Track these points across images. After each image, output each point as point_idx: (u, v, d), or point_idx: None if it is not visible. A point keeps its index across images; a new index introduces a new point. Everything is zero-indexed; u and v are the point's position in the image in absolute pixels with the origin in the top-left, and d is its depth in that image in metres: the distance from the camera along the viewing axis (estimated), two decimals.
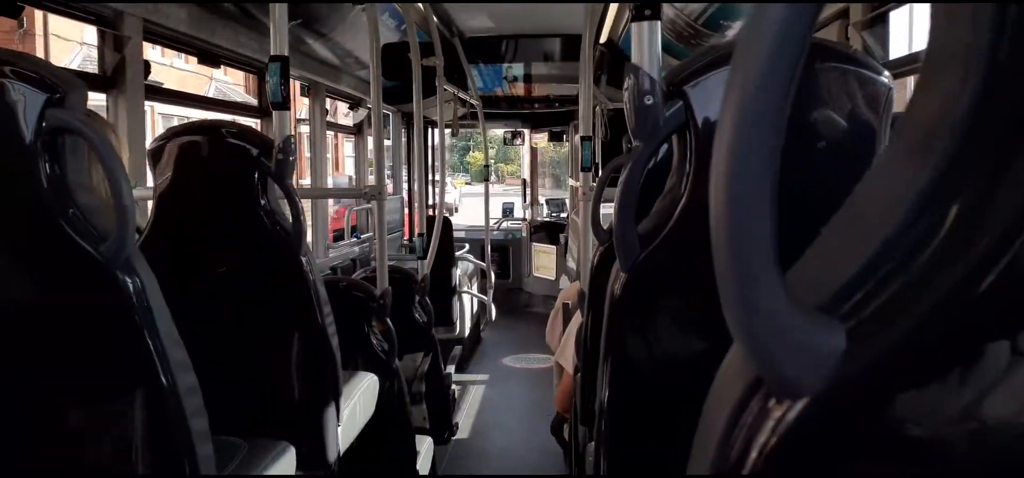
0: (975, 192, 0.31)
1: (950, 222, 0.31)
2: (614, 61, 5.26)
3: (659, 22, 1.14)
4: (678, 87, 1.07)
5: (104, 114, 2.75)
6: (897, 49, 2.30)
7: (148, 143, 2.12)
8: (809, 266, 0.37)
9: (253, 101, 4.25)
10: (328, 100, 4.90)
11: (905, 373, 0.32)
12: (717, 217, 0.32)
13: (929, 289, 0.31)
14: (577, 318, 3.01)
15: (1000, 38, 0.30)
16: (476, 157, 25.98)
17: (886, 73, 1.06)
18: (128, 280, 1.25)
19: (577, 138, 3.81)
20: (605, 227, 2.08)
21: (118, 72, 2.71)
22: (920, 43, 2.19)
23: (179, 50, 3.36)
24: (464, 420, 4.48)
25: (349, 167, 16.42)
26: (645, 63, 1.08)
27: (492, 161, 8.40)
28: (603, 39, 5.01)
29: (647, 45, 1.11)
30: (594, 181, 3.06)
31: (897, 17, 2.25)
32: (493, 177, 8.51)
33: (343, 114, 6.01)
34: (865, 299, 0.32)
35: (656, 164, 1.22)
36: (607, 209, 2.25)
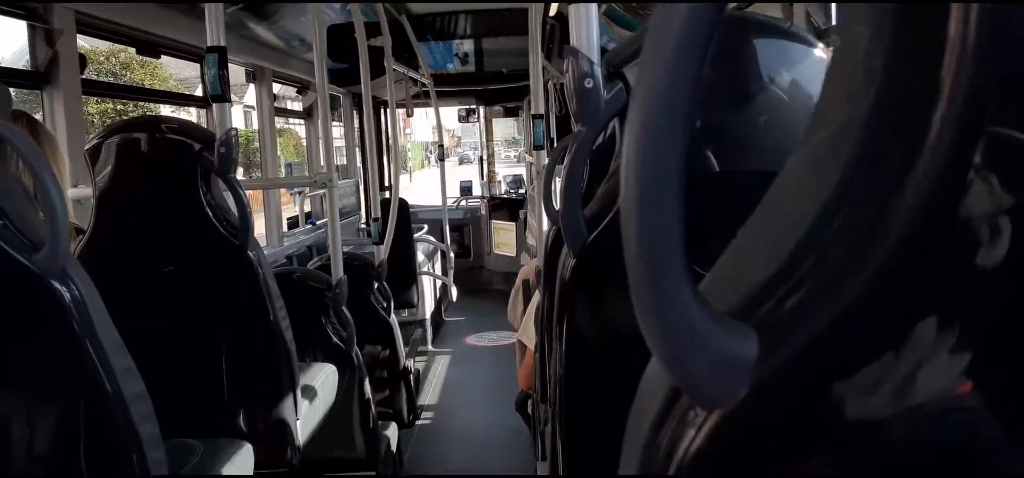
0: (879, 193, 0.31)
1: (858, 223, 0.31)
2: (565, 35, 5.24)
3: (595, 4, 1.12)
4: (618, 69, 1.06)
5: (40, 112, 2.66)
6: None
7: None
8: (725, 271, 0.37)
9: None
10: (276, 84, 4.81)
11: (823, 371, 0.32)
12: (627, 231, 0.31)
13: (839, 289, 0.31)
14: (537, 296, 3.02)
15: (897, 40, 0.30)
16: None
17: (821, 45, 1.07)
18: (65, 290, 1.21)
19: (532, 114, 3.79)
20: (557, 206, 2.08)
21: (52, 68, 2.61)
22: None
23: (115, 41, 3.26)
24: (428, 401, 4.47)
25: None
26: (584, 45, 1.07)
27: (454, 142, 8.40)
28: (553, 12, 4.99)
29: (585, 27, 1.10)
30: (548, 158, 3.06)
31: None
32: None
33: (292, 99, 5.91)
34: (777, 303, 0.32)
35: (600, 144, 1.22)
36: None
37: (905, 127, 0.30)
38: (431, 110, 6.17)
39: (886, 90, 0.31)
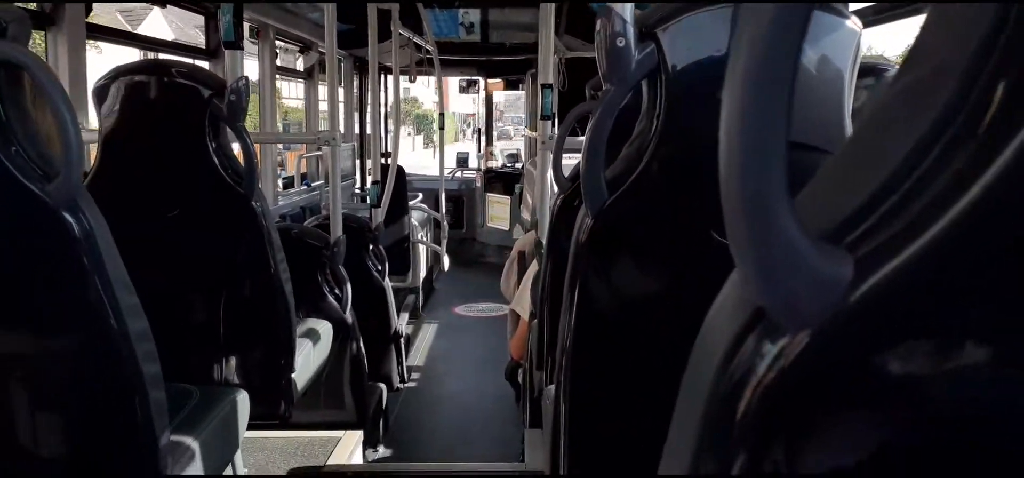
0: (983, 130, 0.30)
1: (953, 163, 0.30)
2: (572, 9, 5.22)
3: None
4: (650, 30, 1.06)
5: (43, 53, 2.62)
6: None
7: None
8: (814, 195, 0.36)
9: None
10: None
11: (905, 308, 0.32)
12: (729, 143, 0.31)
13: (933, 224, 0.31)
14: (533, 267, 3.02)
15: None
16: None
17: (854, 18, 1.06)
18: (75, 222, 1.19)
19: (536, 86, 3.77)
20: (566, 175, 2.08)
21: (57, 9, 2.57)
22: None
23: None
24: (417, 367, 4.49)
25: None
26: (617, 4, 1.06)
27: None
28: None
29: None
30: (553, 130, 3.05)
31: None
32: None
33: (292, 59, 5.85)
34: (871, 230, 0.32)
35: (621, 110, 1.21)
36: (567, 158, 2.24)
37: (1013, 71, 0.29)
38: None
39: (998, 24, 0.30)
